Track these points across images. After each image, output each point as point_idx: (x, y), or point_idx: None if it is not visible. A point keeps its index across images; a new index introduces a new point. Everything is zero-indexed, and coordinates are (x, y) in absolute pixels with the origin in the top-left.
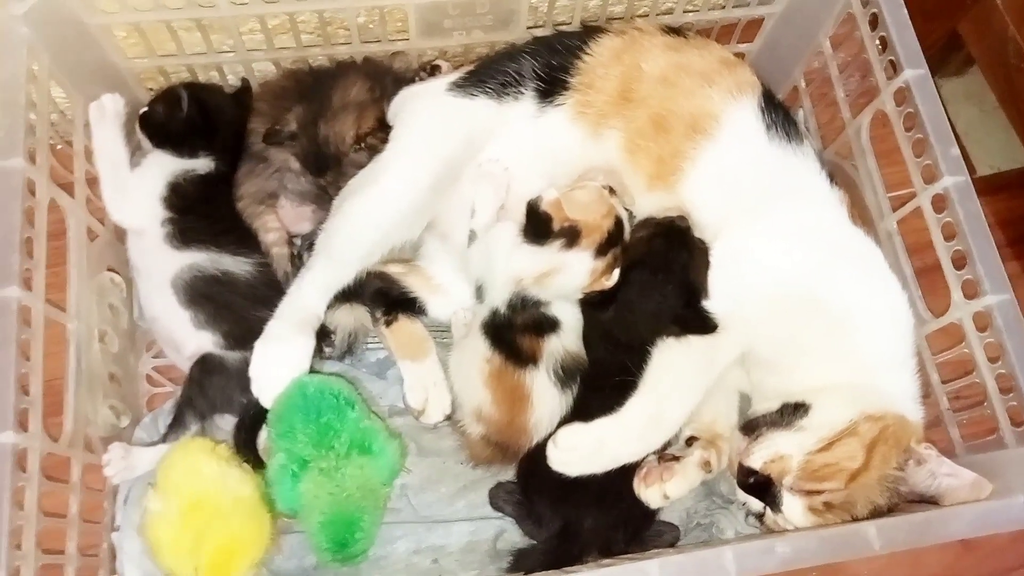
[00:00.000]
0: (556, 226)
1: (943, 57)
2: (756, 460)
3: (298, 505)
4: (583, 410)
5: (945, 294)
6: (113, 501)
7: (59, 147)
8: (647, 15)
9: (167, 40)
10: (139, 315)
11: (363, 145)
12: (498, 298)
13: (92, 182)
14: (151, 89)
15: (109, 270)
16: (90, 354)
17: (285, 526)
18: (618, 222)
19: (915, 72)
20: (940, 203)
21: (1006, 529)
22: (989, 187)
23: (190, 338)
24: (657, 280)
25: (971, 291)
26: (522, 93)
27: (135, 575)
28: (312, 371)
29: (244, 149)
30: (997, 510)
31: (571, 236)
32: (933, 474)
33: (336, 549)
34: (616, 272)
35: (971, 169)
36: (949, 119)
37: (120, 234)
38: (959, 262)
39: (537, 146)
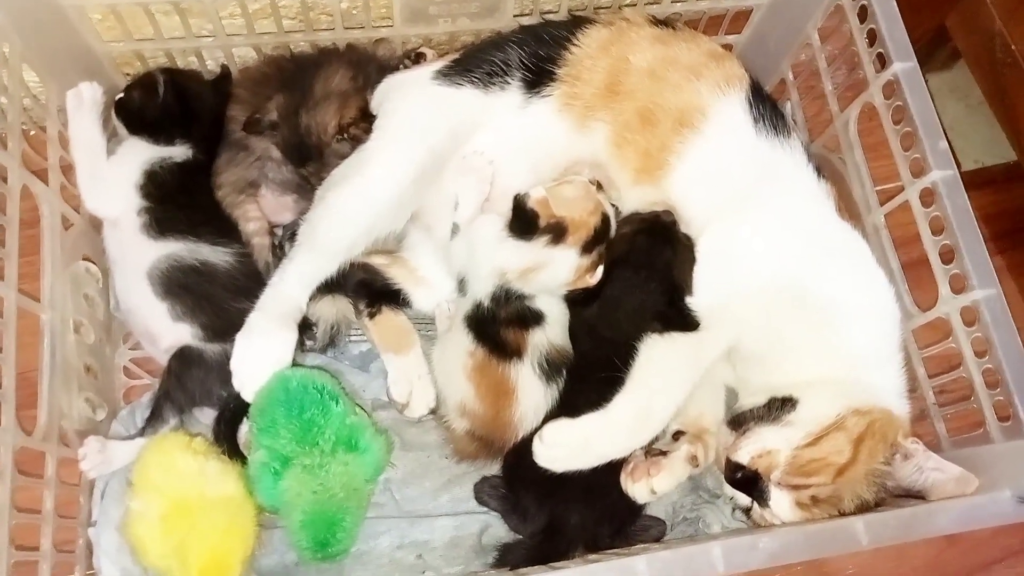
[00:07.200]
0: (543, 222)
1: (929, 51)
2: (743, 455)
3: (279, 502)
4: (569, 404)
5: (932, 288)
6: (89, 496)
7: (32, 133)
8: (635, 4)
9: (144, 24)
10: (115, 306)
11: (346, 135)
12: (481, 291)
13: (67, 169)
14: (128, 74)
15: (84, 259)
16: (65, 345)
17: (267, 521)
18: (604, 219)
19: (904, 65)
20: (928, 197)
21: (992, 524)
22: (974, 182)
23: (167, 330)
24: (640, 277)
25: (958, 285)
26: (508, 83)
27: (112, 571)
28: (294, 364)
29: (223, 137)
30: (984, 505)
31: (557, 233)
32: (920, 468)
33: (316, 548)
34: (600, 269)
35: (956, 164)
36: None
37: (96, 223)
38: (947, 256)
39: (523, 137)
